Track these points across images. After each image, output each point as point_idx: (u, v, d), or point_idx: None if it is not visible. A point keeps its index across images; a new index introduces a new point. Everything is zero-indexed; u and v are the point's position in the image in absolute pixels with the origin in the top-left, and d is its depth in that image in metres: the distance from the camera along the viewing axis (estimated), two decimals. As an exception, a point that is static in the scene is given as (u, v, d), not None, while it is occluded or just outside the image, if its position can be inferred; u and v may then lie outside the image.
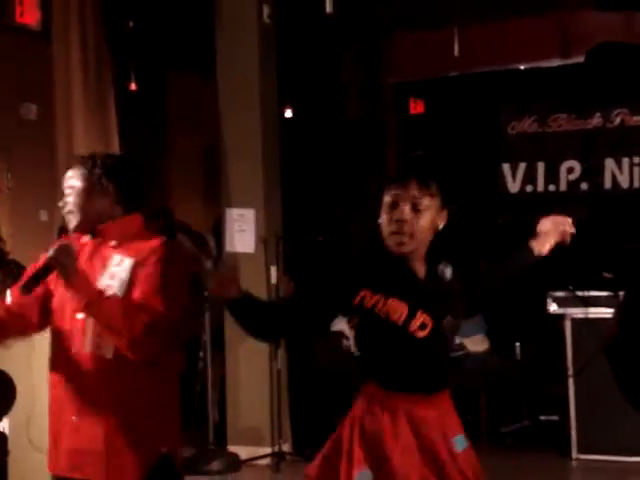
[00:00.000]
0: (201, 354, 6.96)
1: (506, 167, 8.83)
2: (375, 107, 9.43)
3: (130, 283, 3.15)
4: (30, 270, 3.24)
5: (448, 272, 2.99)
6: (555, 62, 8.43)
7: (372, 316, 2.87)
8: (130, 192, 3.30)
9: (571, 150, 8.61)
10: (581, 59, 7.95)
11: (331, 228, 9.26)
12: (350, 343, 7.57)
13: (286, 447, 7.05)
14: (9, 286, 5.95)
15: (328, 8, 6.40)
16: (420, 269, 2.97)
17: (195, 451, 6.71)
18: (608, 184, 8.52)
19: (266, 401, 7.01)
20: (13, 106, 7.95)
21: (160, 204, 9.10)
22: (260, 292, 7.07)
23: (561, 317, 6.73)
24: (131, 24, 7.80)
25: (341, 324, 7.39)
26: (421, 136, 9.57)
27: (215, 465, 6.68)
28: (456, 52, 7.27)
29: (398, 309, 2.87)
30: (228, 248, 7.15)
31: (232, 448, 7.01)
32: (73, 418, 3.23)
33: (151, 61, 8.91)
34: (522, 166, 8.79)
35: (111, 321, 3.08)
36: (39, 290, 3.24)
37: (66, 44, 6.47)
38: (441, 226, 2.97)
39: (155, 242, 3.23)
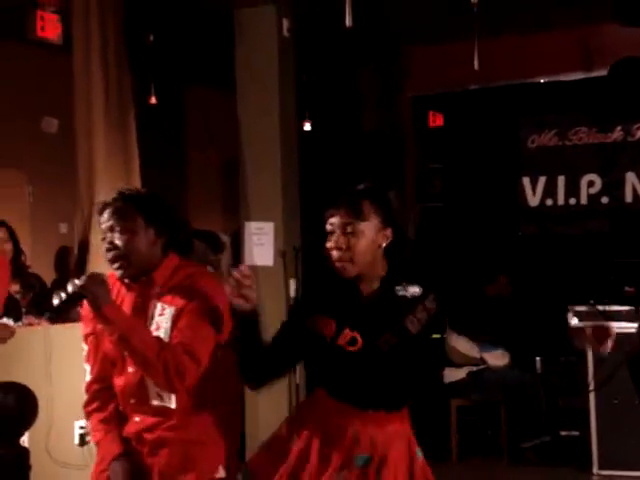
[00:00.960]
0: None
1: (526, 181, 8.81)
2: (394, 120, 9.41)
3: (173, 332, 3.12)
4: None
5: (411, 290, 3.00)
6: (576, 75, 8.40)
7: (308, 332, 3.01)
8: (166, 230, 3.23)
9: (592, 164, 8.59)
10: (602, 72, 7.91)
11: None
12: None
13: (305, 461, 7.02)
14: (30, 299, 6.00)
15: (347, 21, 6.40)
16: (367, 287, 3.01)
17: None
18: (629, 198, 8.49)
19: (285, 415, 6.98)
20: (34, 120, 8.00)
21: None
22: (279, 305, 7.05)
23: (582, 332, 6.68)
24: (151, 38, 7.82)
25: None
26: (440, 149, 9.55)
27: None
28: (476, 65, 7.24)
29: (327, 325, 2.97)
30: (247, 261, 7.14)
31: (251, 462, 6.98)
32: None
33: (171, 75, 8.94)
34: (542, 180, 8.77)
35: (146, 355, 3.01)
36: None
37: (87, 58, 6.48)
38: (384, 244, 2.99)
39: (193, 287, 3.14)
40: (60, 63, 7.07)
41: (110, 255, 3.16)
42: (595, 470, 6.58)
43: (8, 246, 5.93)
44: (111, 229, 3.16)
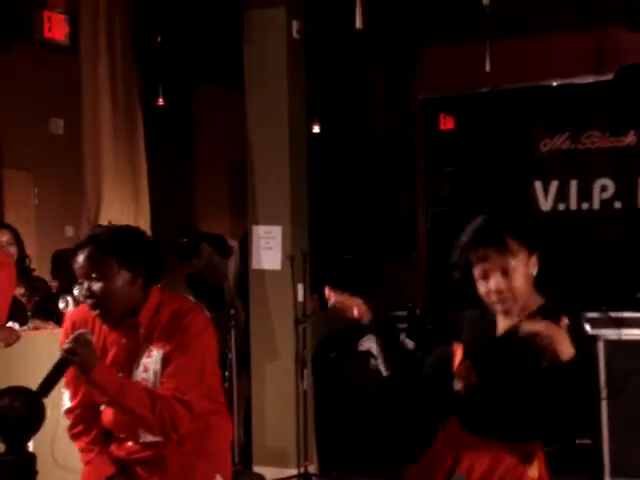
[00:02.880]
0: (227, 373, 6.88)
1: (538, 185, 8.76)
2: (404, 123, 9.37)
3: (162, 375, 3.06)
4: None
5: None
6: (588, 79, 8.35)
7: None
8: (143, 267, 3.12)
9: (604, 168, 8.53)
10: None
11: (359, 245, 9.20)
12: (377, 363, 7.49)
13: (312, 468, 6.98)
14: (34, 302, 5.95)
15: (358, 23, 6.35)
16: (505, 323, 2.99)
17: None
18: (642, 203, 8.45)
19: (292, 422, 6.94)
20: (41, 121, 7.97)
21: (185, 220, 9.08)
22: (286, 309, 7.01)
23: (594, 338, 6.61)
24: (159, 39, 7.78)
25: (368, 343, 7.34)
26: (451, 152, 9.50)
27: (240, 486, 6.61)
28: (487, 68, 7.19)
29: (458, 354, 3.02)
30: (254, 265, 7.10)
31: (258, 469, 6.94)
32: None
33: (178, 76, 8.90)
34: (554, 184, 8.72)
35: (141, 414, 2.99)
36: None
37: (94, 59, 6.44)
38: (534, 272, 2.97)
39: (183, 328, 3.06)
40: (67, 64, 7.03)
41: (89, 302, 3.10)
42: (607, 479, 6.51)
43: (13, 249, 5.88)
44: (86, 276, 3.08)
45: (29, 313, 5.85)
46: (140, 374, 3.07)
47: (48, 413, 5.10)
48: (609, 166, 8.53)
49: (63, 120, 7.99)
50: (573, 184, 8.68)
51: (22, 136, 7.73)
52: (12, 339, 5.33)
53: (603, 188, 8.58)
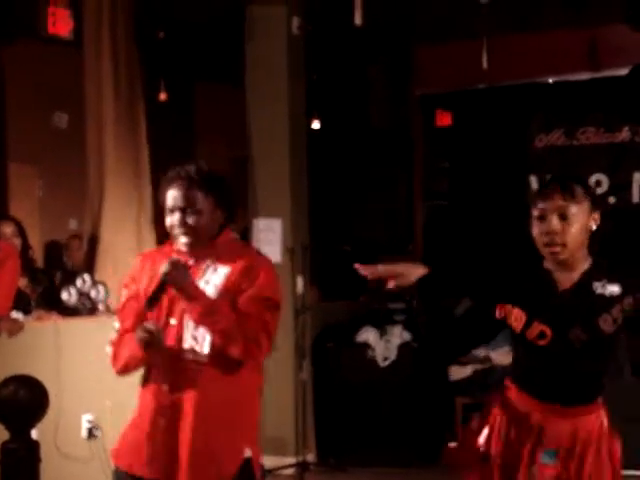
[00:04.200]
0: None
1: (533, 180, 8.82)
2: (402, 118, 9.43)
3: (224, 290, 3.20)
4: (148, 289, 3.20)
5: (610, 289, 2.97)
6: (584, 75, 8.40)
7: (498, 319, 3.06)
8: (226, 206, 3.32)
9: (599, 164, 8.58)
10: (611, 73, 7.93)
11: (357, 238, 9.29)
12: (375, 354, 7.59)
13: (310, 457, 7.08)
14: (37, 292, 6.05)
15: (357, 20, 6.44)
16: (566, 279, 2.99)
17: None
18: (636, 198, 8.48)
19: (291, 411, 7.03)
20: (45, 115, 8.06)
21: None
22: (286, 302, 7.08)
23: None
24: (161, 35, 7.87)
25: (366, 335, 7.45)
26: (448, 148, 9.56)
27: (239, 474, 6.70)
28: (484, 64, 7.27)
29: (518, 317, 2.98)
30: (255, 258, 7.18)
31: (257, 457, 7.03)
32: (161, 422, 3.19)
33: (180, 72, 8.98)
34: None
35: (226, 326, 3.14)
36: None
37: (97, 54, 6.53)
38: (594, 227, 2.98)
39: (250, 260, 3.26)
40: (71, 59, 7.12)
41: (181, 231, 3.30)
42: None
43: (17, 241, 5.96)
44: (180, 209, 3.30)
45: (33, 303, 5.95)
46: (202, 285, 3.21)
47: (50, 403, 5.25)
48: (604, 162, 8.58)
49: (67, 114, 8.08)
50: (568, 179, 8.74)
51: (27, 130, 7.82)
52: (15, 329, 5.42)
53: (598, 183, 8.63)
